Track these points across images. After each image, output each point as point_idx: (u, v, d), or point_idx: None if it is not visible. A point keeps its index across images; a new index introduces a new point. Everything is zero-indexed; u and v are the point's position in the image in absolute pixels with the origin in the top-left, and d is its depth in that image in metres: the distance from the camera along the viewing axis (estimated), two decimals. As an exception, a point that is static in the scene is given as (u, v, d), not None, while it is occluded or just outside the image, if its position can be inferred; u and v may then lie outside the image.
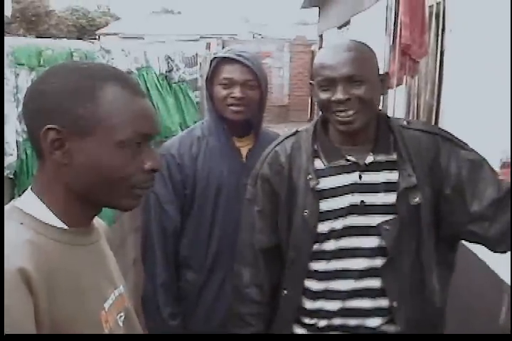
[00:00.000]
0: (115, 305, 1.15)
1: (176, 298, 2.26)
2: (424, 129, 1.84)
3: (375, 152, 1.79)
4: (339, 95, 1.70)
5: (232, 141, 2.25)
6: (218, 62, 2.20)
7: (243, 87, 2.16)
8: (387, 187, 1.77)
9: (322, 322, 1.84)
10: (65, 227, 1.08)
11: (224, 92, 2.17)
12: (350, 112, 1.71)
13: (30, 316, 0.93)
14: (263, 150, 2.04)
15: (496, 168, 2.98)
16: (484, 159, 1.80)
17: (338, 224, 1.78)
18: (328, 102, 1.72)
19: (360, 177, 1.78)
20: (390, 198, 1.77)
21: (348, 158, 1.79)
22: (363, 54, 1.76)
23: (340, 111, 1.71)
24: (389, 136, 1.81)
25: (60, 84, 1.04)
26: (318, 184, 1.78)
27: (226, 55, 2.18)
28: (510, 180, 1.90)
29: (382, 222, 1.76)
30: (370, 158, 1.79)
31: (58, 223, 1.07)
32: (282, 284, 1.89)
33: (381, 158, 1.79)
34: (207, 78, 2.24)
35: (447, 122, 4.39)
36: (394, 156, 1.79)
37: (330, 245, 1.80)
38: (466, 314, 3.17)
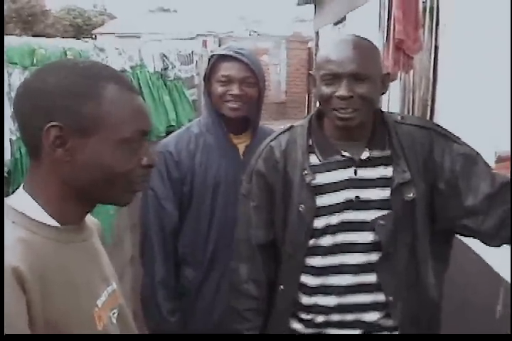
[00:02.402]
0: (108, 302, 1.16)
1: (174, 294, 2.26)
2: (418, 124, 1.85)
3: (370, 147, 1.80)
4: (343, 91, 1.70)
5: (230, 137, 2.26)
6: (216, 60, 2.20)
7: (241, 84, 2.16)
8: (382, 182, 1.78)
9: (319, 318, 1.85)
10: (58, 225, 1.09)
11: (222, 89, 2.17)
12: (351, 109, 1.71)
13: (23, 315, 0.94)
14: None
15: (492, 162, 3.00)
16: (478, 153, 1.81)
17: (334, 219, 1.79)
18: (330, 97, 1.72)
19: (355, 172, 1.78)
20: (385, 193, 1.78)
21: (344, 153, 1.79)
22: (369, 51, 1.77)
23: (342, 107, 1.71)
24: (384, 132, 1.82)
25: (59, 83, 1.05)
26: (313, 179, 1.78)
27: (224, 52, 2.19)
28: (509, 174, 1.90)
29: (377, 217, 1.77)
30: (365, 154, 1.79)
31: (51, 221, 1.08)
32: (278, 279, 1.90)
33: (376, 153, 1.80)
34: (205, 75, 2.24)
35: (442, 117, 4.40)
36: (389, 152, 1.80)
37: (326, 240, 1.81)
38: (463, 308, 3.19)
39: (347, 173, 1.79)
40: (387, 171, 1.79)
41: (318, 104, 1.86)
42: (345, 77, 1.70)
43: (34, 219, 1.06)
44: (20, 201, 1.08)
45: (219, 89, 2.17)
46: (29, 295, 0.95)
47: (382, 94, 1.83)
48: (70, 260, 1.08)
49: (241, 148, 2.26)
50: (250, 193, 1.91)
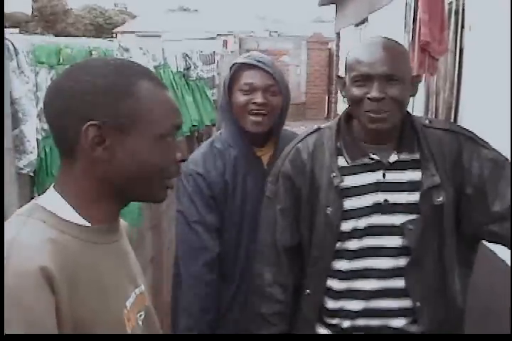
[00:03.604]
0: (136, 303, 1.15)
1: (215, 315, 2.21)
2: (446, 128, 1.83)
3: (398, 151, 1.78)
4: (375, 93, 1.68)
5: (253, 151, 2.21)
6: (237, 68, 2.16)
7: (264, 92, 2.11)
8: (411, 186, 1.76)
9: (345, 323, 1.82)
10: (88, 225, 1.08)
11: (245, 98, 2.12)
12: (383, 111, 1.70)
13: (52, 315, 0.93)
14: None
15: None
16: (507, 159, 1.79)
17: (362, 222, 1.77)
18: (362, 99, 1.71)
19: (384, 175, 1.77)
20: (414, 197, 1.76)
21: (372, 156, 1.77)
22: (399, 53, 1.76)
23: (373, 109, 1.70)
24: (413, 135, 1.80)
25: (93, 81, 1.04)
26: (341, 182, 1.77)
27: (246, 60, 2.15)
28: None
29: (406, 222, 1.75)
30: (394, 157, 1.78)
31: (81, 221, 1.07)
32: (304, 283, 1.88)
33: (405, 156, 1.78)
34: (226, 85, 2.18)
35: (466, 120, 4.35)
36: (417, 155, 1.78)
37: (353, 244, 1.79)
38: (486, 315, 3.15)
39: (375, 176, 1.77)
40: (415, 175, 1.77)
41: (343, 107, 1.84)
42: (377, 79, 1.69)
43: (65, 219, 1.05)
44: (51, 201, 1.07)
45: (241, 98, 2.12)
46: (57, 295, 0.94)
47: (412, 96, 1.80)
48: (99, 260, 1.07)
49: (265, 158, 2.22)
50: (276, 195, 1.89)
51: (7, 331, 0.87)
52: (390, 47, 1.75)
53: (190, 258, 2.16)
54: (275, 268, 1.89)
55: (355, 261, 1.79)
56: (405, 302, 1.79)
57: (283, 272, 1.89)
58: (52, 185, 1.11)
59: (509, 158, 1.80)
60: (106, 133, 1.04)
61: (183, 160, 1.15)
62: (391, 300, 1.79)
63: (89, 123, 1.03)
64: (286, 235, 1.88)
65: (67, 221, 1.05)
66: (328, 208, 1.78)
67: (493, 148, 1.80)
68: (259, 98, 2.10)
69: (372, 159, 1.78)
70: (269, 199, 1.91)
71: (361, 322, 1.81)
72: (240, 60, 2.18)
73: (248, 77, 2.13)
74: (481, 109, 3.93)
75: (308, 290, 1.86)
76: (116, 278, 1.11)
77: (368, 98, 1.69)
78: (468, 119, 4.26)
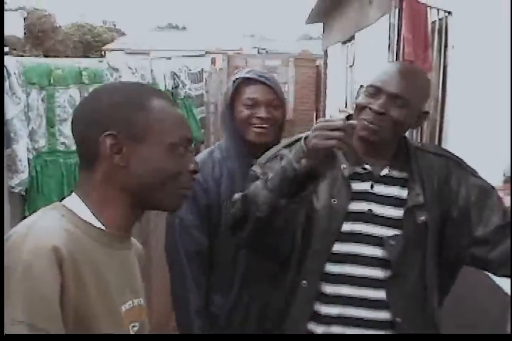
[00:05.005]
0: (131, 312, 1.19)
1: (210, 322, 2.20)
2: (436, 152, 1.89)
3: (391, 167, 1.84)
4: (378, 106, 1.73)
5: (252, 163, 2.24)
6: (240, 83, 2.20)
7: (267, 106, 2.16)
8: (396, 202, 1.81)
9: (319, 328, 1.82)
10: (104, 228, 1.15)
11: (248, 112, 2.15)
12: (377, 124, 1.75)
13: (57, 295, 0.99)
14: None
15: (499, 182, 3.01)
16: (493, 187, 1.85)
17: (347, 227, 1.80)
18: (364, 107, 1.76)
19: (372, 186, 1.81)
20: (397, 213, 1.80)
21: (365, 166, 1.82)
22: (418, 82, 1.81)
23: (370, 120, 1.74)
24: (405, 155, 1.86)
25: (111, 99, 1.17)
26: (352, 170, 1.80)
27: (249, 75, 2.19)
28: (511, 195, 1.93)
29: (388, 237, 1.78)
30: (385, 171, 1.83)
31: (97, 224, 1.15)
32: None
33: (395, 173, 1.83)
34: (228, 99, 2.22)
35: (451, 137, 4.42)
36: (407, 175, 1.83)
37: (337, 247, 1.80)
38: (473, 330, 3.18)
39: (364, 186, 1.82)
40: (402, 192, 1.82)
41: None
42: (385, 95, 1.74)
43: (82, 218, 1.13)
44: (72, 202, 1.16)
45: (245, 112, 2.16)
46: (64, 279, 1.00)
47: (412, 128, 1.87)
48: (105, 262, 1.13)
49: None
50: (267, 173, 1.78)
51: (10, 304, 0.93)
52: (412, 72, 1.82)
53: (188, 256, 2.17)
54: None
55: (337, 265, 1.81)
56: (383, 315, 1.80)
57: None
58: (73, 191, 1.19)
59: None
60: (122, 142, 1.14)
61: (196, 172, 1.23)
62: (367, 310, 1.80)
63: (106, 133, 1.13)
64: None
65: (84, 220, 1.14)
66: (333, 200, 1.80)
67: (481, 177, 1.86)
68: (262, 113, 2.14)
69: (364, 169, 1.82)
70: (255, 177, 1.85)
71: (336, 329, 1.81)
72: (243, 74, 2.22)
73: (251, 92, 2.17)
74: (464, 126, 4.00)
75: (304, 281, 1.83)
76: (116, 283, 1.15)
77: (370, 108, 1.75)
78: (452, 136, 4.33)
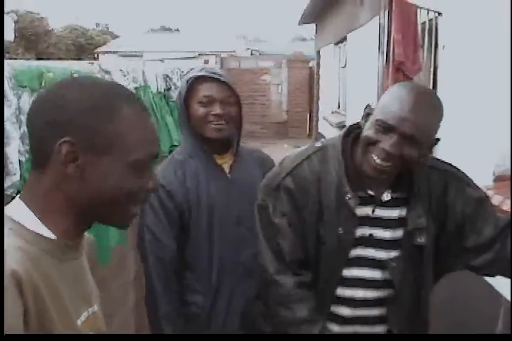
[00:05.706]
0: (86, 323, 1.15)
1: (181, 327, 2.20)
2: (434, 166, 1.84)
3: (393, 188, 1.80)
4: (391, 149, 1.62)
5: (214, 159, 2.24)
6: (193, 82, 2.19)
7: (222, 103, 2.16)
8: (397, 222, 1.80)
9: None
10: (54, 237, 1.08)
11: (203, 110, 2.16)
12: (389, 164, 1.66)
13: (20, 319, 0.94)
14: (245, 164, 2.09)
15: (489, 181, 3.04)
16: (487, 196, 1.86)
17: (352, 252, 1.80)
18: (375, 143, 1.66)
19: (373, 211, 1.79)
20: (398, 234, 1.80)
21: (369, 192, 1.79)
22: (434, 114, 1.67)
23: (382, 157, 1.65)
24: (408, 175, 1.80)
25: (78, 99, 1.05)
26: (357, 204, 1.75)
27: (202, 73, 2.18)
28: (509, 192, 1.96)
29: (390, 259, 1.79)
30: (387, 195, 1.79)
31: (46, 232, 1.07)
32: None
33: (398, 195, 1.81)
34: (182, 98, 2.21)
35: (441, 137, 4.44)
36: (407, 194, 1.80)
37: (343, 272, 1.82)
38: (464, 329, 3.20)
39: (366, 210, 1.79)
40: (402, 212, 1.80)
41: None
42: (399, 134, 1.63)
43: (30, 230, 1.05)
44: (18, 210, 1.07)
45: (200, 110, 2.16)
46: (25, 299, 0.95)
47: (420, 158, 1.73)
48: (57, 275, 1.07)
49: (226, 167, 2.25)
50: (275, 208, 1.82)
51: None
52: (428, 104, 1.67)
53: (155, 261, 2.17)
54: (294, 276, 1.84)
55: (340, 288, 1.82)
56: (379, 329, 1.85)
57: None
58: (19, 195, 1.12)
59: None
60: (80, 151, 1.05)
61: (155, 190, 1.15)
62: (365, 326, 1.85)
63: (63, 139, 1.04)
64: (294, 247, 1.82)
65: (33, 231, 1.06)
66: (340, 229, 1.77)
67: (477, 186, 1.85)
68: (218, 109, 2.15)
69: (367, 193, 1.79)
70: (266, 210, 1.84)
71: None
72: (195, 73, 2.20)
73: (206, 90, 2.17)
74: (454, 126, 4.01)
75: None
76: (70, 296, 1.10)
77: (382, 148, 1.64)
78: (443, 136, 4.34)
